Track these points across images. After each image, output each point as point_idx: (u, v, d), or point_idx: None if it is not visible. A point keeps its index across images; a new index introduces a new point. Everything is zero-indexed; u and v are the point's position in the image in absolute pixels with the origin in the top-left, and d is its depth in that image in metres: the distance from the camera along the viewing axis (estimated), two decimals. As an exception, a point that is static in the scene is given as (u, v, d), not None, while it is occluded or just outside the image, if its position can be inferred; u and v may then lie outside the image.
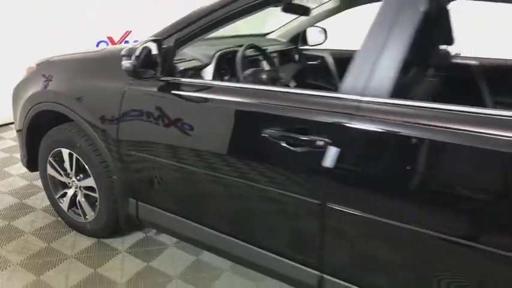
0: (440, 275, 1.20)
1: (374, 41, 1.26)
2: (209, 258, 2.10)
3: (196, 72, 1.89)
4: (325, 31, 2.86)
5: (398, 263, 1.29)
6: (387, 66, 1.22)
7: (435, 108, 1.16)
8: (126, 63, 1.50)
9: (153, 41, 1.56)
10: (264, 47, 2.39)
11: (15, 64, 3.13)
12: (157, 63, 1.59)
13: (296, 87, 2.68)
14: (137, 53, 1.49)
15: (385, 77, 1.22)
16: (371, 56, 1.25)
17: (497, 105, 2.01)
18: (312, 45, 2.91)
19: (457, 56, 2.53)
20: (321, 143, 1.27)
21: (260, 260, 1.60)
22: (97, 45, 4.58)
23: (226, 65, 2.00)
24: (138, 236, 2.28)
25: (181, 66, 1.79)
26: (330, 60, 2.70)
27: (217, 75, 1.95)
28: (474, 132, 1.06)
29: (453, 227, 1.13)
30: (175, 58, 1.77)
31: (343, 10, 2.53)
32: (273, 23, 2.94)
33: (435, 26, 1.62)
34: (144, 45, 1.52)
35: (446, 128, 1.10)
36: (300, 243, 1.48)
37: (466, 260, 1.15)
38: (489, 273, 1.12)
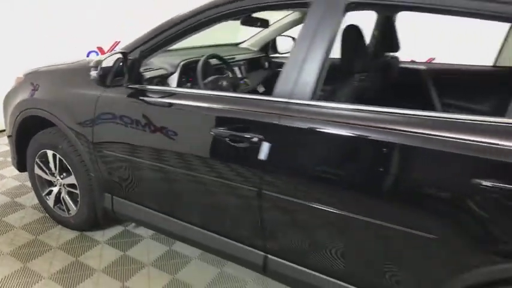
0: (354, 247, 1.42)
1: (299, 51, 1.48)
2: (181, 247, 2.32)
3: (163, 79, 2.12)
4: (293, 39, 3.09)
5: (324, 240, 1.50)
6: (309, 73, 1.44)
7: (349, 109, 1.38)
8: (93, 73, 1.73)
9: (120, 53, 1.79)
10: (232, 56, 2.62)
11: (7, 71, 3.32)
12: (124, 73, 1.82)
13: (264, 92, 2.91)
14: (103, 64, 1.72)
15: (308, 83, 1.44)
16: (297, 64, 1.47)
17: (421, 103, 2.24)
18: (282, 53, 3.14)
19: (412, 62, 2.76)
20: (256, 139, 1.49)
21: (216, 245, 1.82)
22: (87, 55, 4.80)
23: (190, 73, 2.22)
24: (117, 229, 2.50)
25: (148, 74, 2.02)
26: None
27: (181, 82, 2.18)
28: (373, 127, 1.28)
29: (366, 210, 1.34)
30: (146, 67, 2.01)
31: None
32: (245, 33, 3.17)
33: (361, 37, 1.82)
34: (110, 57, 1.75)
35: (356, 124, 1.32)
36: (247, 228, 1.70)
37: (373, 234, 1.36)
38: (388, 244, 1.34)
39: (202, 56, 2.24)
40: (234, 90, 2.30)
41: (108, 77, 1.76)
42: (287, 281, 1.70)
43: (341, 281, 1.50)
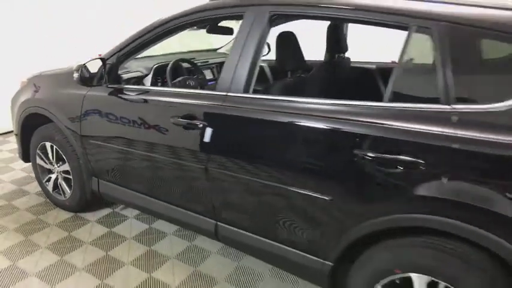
0: (276, 211, 1.76)
1: (234, 53, 1.84)
2: (160, 226, 2.69)
3: (139, 80, 2.50)
4: (268, 44, 3.44)
5: (256, 207, 1.84)
6: (242, 72, 1.80)
7: (270, 99, 1.73)
8: (75, 75, 2.12)
9: (99, 59, 2.18)
10: (206, 59, 2.99)
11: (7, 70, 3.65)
12: (103, 75, 2.21)
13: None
14: (83, 68, 2.11)
15: (241, 79, 1.80)
16: (233, 64, 1.83)
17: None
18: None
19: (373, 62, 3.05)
20: (201, 125, 1.85)
21: (179, 216, 2.18)
22: None
23: (162, 75, 2.60)
24: (107, 211, 2.89)
25: (126, 76, 2.41)
26: (267, 68, 3.28)
27: (154, 82, 2.56)
28: (285, 112, 1.63)
29: (284, 179, 1.68)
30: (125, 70, 2.40)
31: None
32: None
33: (294, 41, 2.15)
34: (89, 62, 2.14)
35: (272, 111, 1.67)
36: (200, 200, 2.05)
37: (292, 201, 1.70)
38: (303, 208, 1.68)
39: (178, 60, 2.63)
40: (201, 88, 2.67)
41: (88, 78, 2.14)
42: (234, 244, 2.05)
43: (266, 238, 1.85)
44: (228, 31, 2.71)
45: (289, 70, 2.09)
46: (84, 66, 2.12)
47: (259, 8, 1.80)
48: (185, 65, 2.74)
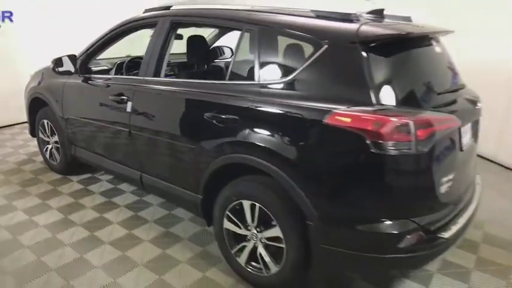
0: (169, 161, 2.48)
1: (148, 50, 2.59)
2: (124, 186, 3.48)
3: (106, 72, 3.32)
4: (231, 49, 4.16)
5: (161, 158, 2.56)
6: (153, 62, 2.55)
7: (166, 81, 2.47)
8: (51, 66, 2.98)
9: (71, 55, 3.03)
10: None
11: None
12: (76, 67, 3.05)
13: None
14: (56, 61, 2.96)
15: (152, 67, 2.55)
16: (148, 57, 2.59)
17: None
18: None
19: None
20: (126, 98, 2.62)
21: (118, 170, 2.94)
22: None
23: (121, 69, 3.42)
24: (87, 175, 3.73)
25: (96, 69, 3.24)
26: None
27: (117, 74, 3.37)
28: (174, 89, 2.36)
29: (171, 136, 2.40)
30: (98, 65, 3.24)
31: (223, 36, 3.84)
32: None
33: (200, 42, 2.89)
34: (64, 56, 2.99)
35: (163, 88, 2.41)
36: (130, 156, 2.81)
37: (175, 151, 2.41)
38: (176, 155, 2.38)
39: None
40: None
41: (60, 69, 2.99)
42: (152, 190, 2.79)
43: (167, 182, 2.56)
44: (179, 37, 3.49)
45: (194, 63, 2.83)
46: (56, 59, 2.98)
47: (165, 19, 2.56)
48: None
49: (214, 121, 2.12)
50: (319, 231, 1.85)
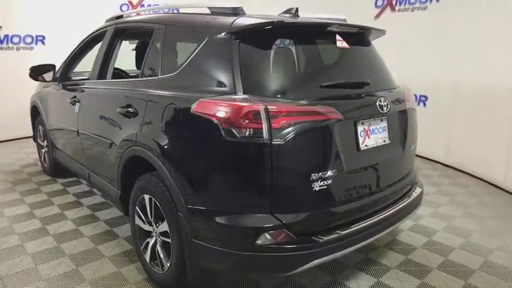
0: (100, 157, 2.59)
1: (97, 56, 2.79)
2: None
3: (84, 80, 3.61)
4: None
5: (96, 155, 2.69)
6: (98, 67, 2.74)
7: (103, 82, 2.63)
8: (29, 74, 3.31)
9: (50, 65, 3.35)
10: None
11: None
12: (54, 76, 3.36)
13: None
14: (33, 69, 3.30)
15: (96, 71, 2.74)
16: (98, 60, 2.78)
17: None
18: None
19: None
20: (76, 100, 2.83)
21: (77, 169, 3.13)
22: (120, 8, 5.97)
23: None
24: (73, 178, 3.99)
25: (75, 78, 3.54)
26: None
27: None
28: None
29: (99, 132, 2.53)
30: (79, 74, 3.55)
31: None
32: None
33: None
34: (41, 65, 3.32)
35: (101, 87, 2.57)
36: (80, 155, 2.98)
37: (102, 147, 2.52)
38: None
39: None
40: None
41: (38, 76, 3.31)
42: (95, 186, 2.91)
43: (102, 179, 2.67)
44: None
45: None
46: (31, 67, 3.31)
47: (111, 27, 2.75)
48: None
49: (122, 115, 2.22)
50: (187, 224, 1.80)
